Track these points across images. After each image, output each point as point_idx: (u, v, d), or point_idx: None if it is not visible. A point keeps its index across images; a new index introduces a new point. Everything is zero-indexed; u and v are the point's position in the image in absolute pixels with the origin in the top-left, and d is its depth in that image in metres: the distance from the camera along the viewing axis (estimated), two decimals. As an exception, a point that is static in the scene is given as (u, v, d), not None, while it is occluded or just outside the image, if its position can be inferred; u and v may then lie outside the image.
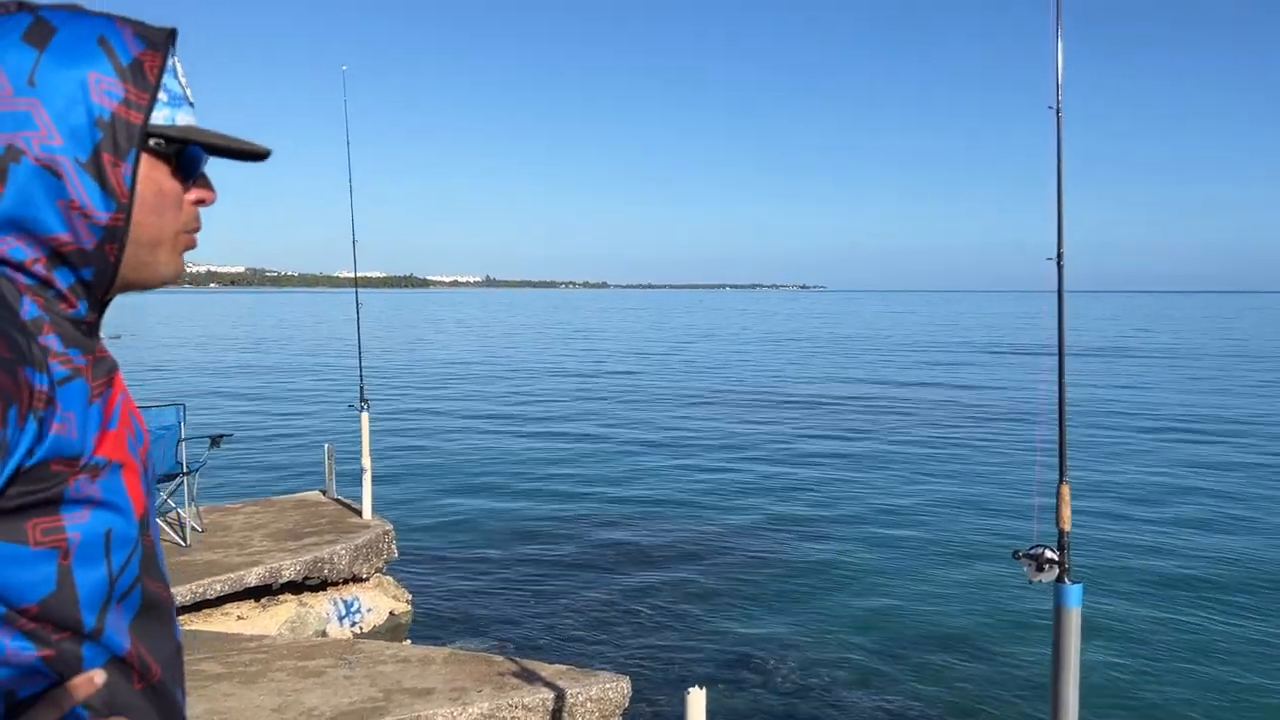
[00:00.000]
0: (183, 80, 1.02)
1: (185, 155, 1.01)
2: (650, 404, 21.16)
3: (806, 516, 10.84)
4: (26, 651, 0.89)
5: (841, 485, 12.53)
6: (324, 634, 6.93)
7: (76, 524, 0.91)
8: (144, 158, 0.97)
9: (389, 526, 7.74)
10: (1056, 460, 2.65)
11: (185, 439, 7.54)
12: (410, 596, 7.87)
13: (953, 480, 12.79)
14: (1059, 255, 2.65)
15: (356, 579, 7.36)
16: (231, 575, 6.56)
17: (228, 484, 11.82)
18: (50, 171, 0.91)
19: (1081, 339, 44.70)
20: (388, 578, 7.81)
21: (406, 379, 27.01)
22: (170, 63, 1.00)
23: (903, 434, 16.82)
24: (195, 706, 4.52)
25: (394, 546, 7.69)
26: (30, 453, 0.85)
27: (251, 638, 5.67)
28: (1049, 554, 2.60)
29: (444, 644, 6.87)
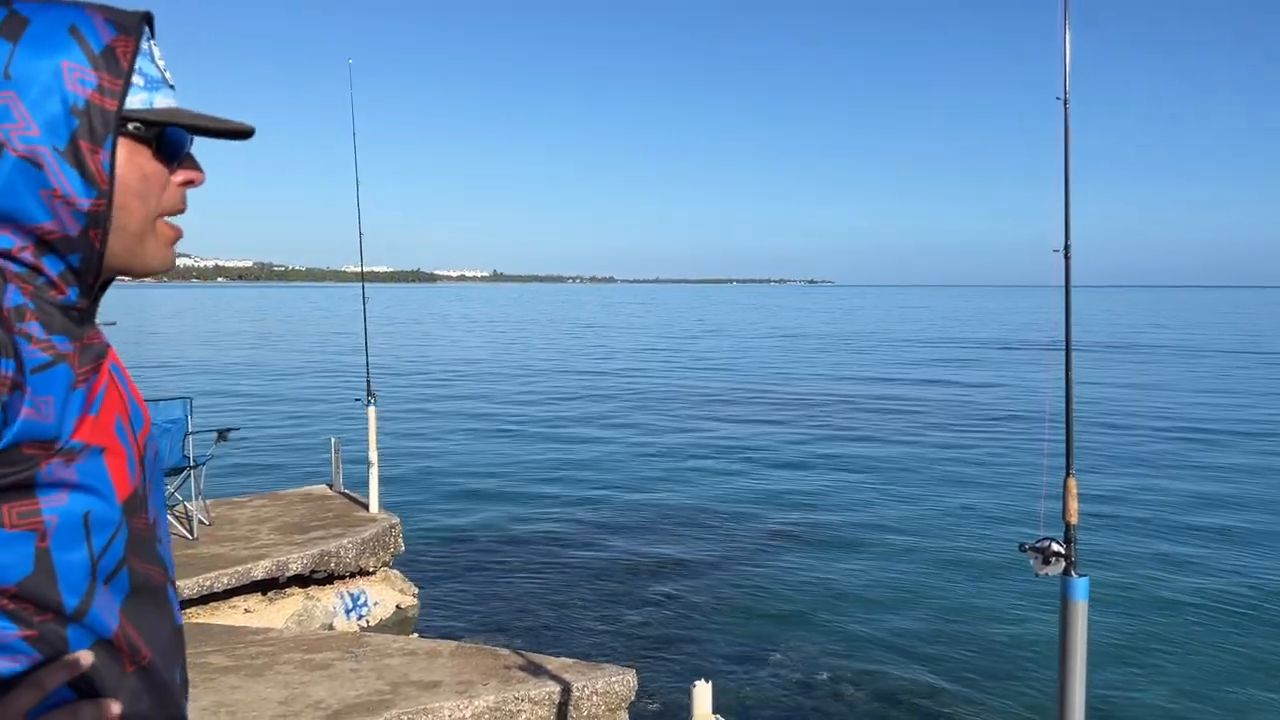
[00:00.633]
0: (160, 63, 1.02)
1: (165, 138, 1.01)
2: (658, 402, 21.16)
3: (812, 511, 10.84)
4: (8, 630, 0.89)
5: (848, 480, 12.53)
6: (330, 627, 6.95)
7: (53, 506, 0.91)
8: (124, 142, 0.98)
9: (395, 520, 7.75)
10: (1064, 454, 2.65)
11: (192, 433, 7.56)
12: (416, 590, 7.89)
13: (960, 474, 12.78)
14: (1066, 247, 2.64)
15: (363, 572, 7.38)
16: (238, 568, 6.57)
17: (235, 478, 11.84)
18: (30, 162, 0.92)
19: (1089, 335, 44.60)
20: (394, 571, 7.83)
21: (414, 374, 27.05)
22: (145, 46, 1.00)
23: (908, 429, 16.80)
24: (202, 699, 4.54)
25: (400, 540, 7.71)
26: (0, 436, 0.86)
27: (258, 631, 5.69)
28: (1055, 547, 2.59)
29: (450, 637, 6.89)
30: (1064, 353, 2.64)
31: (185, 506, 7.45)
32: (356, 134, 8.60)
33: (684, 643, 7.01)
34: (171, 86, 1.03)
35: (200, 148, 1.08)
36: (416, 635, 7.12)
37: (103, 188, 0.96)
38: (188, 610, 6.37)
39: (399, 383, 23.92)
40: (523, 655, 5.10)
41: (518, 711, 4.59)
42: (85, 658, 0.91)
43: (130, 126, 0.98)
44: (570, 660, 5.09)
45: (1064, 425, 2.67)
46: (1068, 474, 2.61)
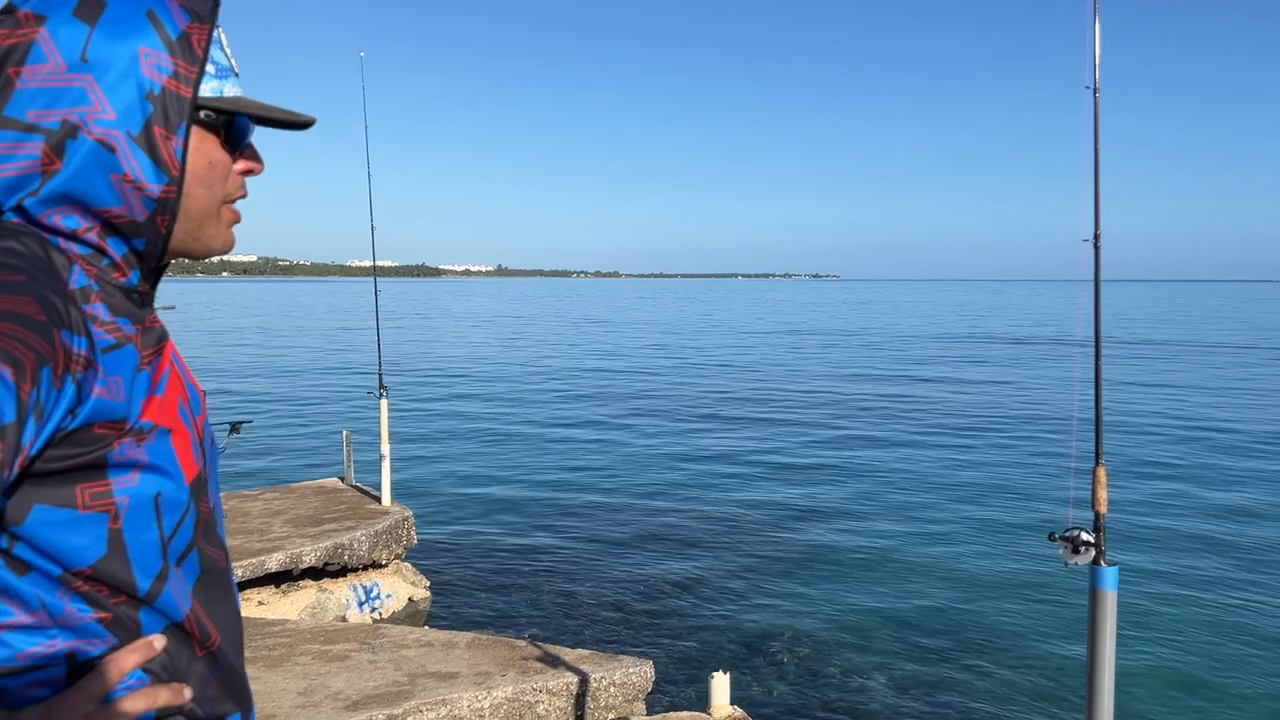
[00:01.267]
0: (228, 50, 1.03)
1: (234, 126, 1.02)
2: (670, 394, 21.16)
3: (834, 502, 10.82)
4: (84, 613, 0.90)
5: (871, 471, 12.51)
6: (344, 620, 6.97)
7: (125, 487, 0.92)
8: (194, 130, 0.98)
9: (408, 513, 7.76)
10: (1093, 443, 2.64)
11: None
12: (429, 583, 7.90)
13: (987, 464, 12.76)
14: (1095, 237, 2.63)
15: (376, 565, 7.39)
16: (252, 561, 6.59)
17: (247, 470, 11.87)
18: (104, 146, 0.92)
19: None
20: (407, 564, 7.84)
21: (426, 367, 27.07)
22: (216, 34, 1.01)
23: (933, 421, 16.77)
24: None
25: (413, 533, 7.72)
26: (72, 414, 0.86)
27: (275, 622, 5.70)
28: (1085, 536, 2.59)
29: (464, 630, 6.90)
30: (1094, 344, 2.63)
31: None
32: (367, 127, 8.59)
33: (701, 635, 7.01)
34: (237, 74, 1.04)
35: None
36: (428, 628, 7.14)
37: (173, 174, 0.96)
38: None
39: (410, 377, 23.95)
40: (539, 646, 5.10)
41: (536, 702, 4.60)
42: (158, 641, 0.91)
43: (202, 114, 0.99)
44: (587, 652, 5.10)
45: (1093, 415, 2.66)
46: (1097, 463, 2.60)
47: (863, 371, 25.98)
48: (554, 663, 4.85)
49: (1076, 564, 2.59)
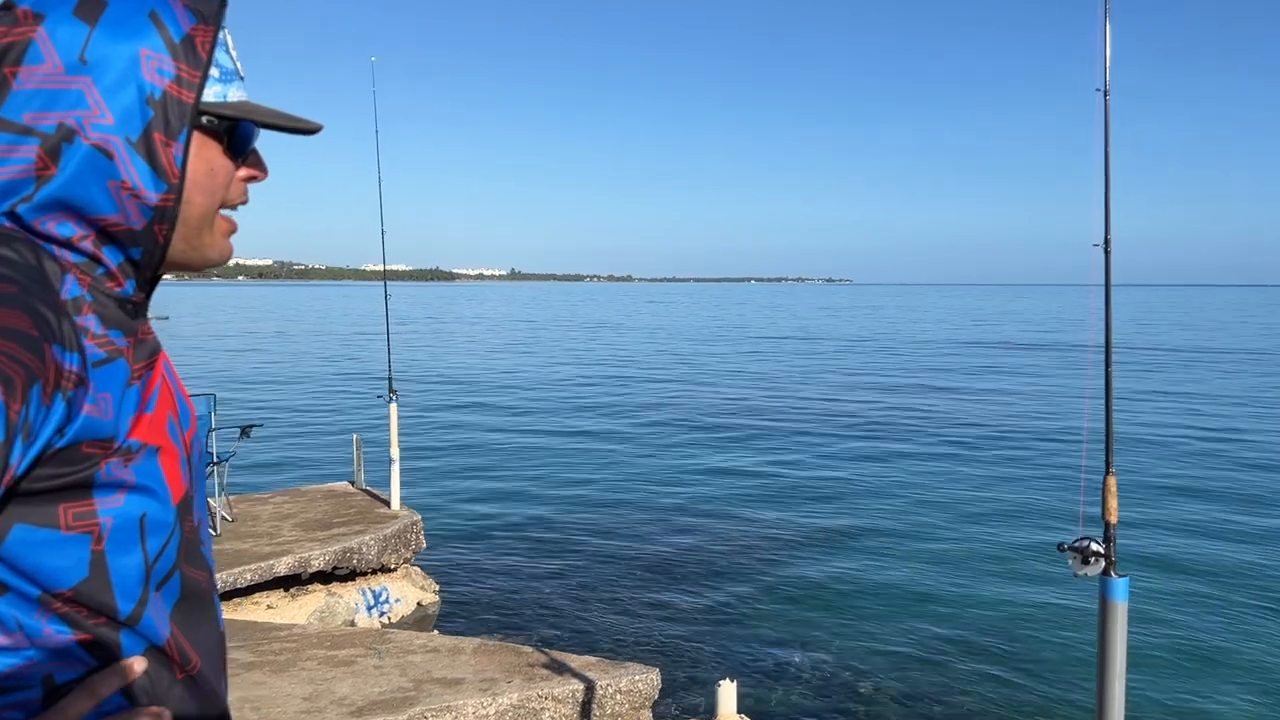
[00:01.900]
0: (233, 54, 0.99)
1: (237, 132, 0.98)
2: (682, 402, 21.12)
3: (844, 512, 10.76)
4: (63, 634, 0.87)
5: (880, 480, 12.44)
6: (352, 624, 6.96)
7: (110, 508, 0.88)
8: (195, 136, 0.95)
9: (417, 517, 7.76)
10: (1103, 452, 2.60)
11: (216, 429, 7.59)
12: (438, 587, 7.89)
13: (996, 474, 12.67)
14: (1106, 241, 2.59)
15: (385, 569, 7.38)
16: (261, 565, 6.59)
17: (258, 474, 11.89)
18: (101, 152, 0.89)
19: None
20: (416, 568, 7.83)
21: (438, 372, 27.12)
22: (221, 36, 0.97)
23: (942, 429, 16.69)
24: (228, 695, 4.54)
25: (422, 537, 7.71)
26: (61, 432, 0.83)
27: (282, 627, 5.70)
28: (1095, 546, 2.54)
29: (472, 635, 6.89)
30: (1104, 351, 2.59)
31: (209, 502, 7.47)
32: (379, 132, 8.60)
33: (708, 643, 6.97)
34: (242, 78, 1.00)
35: None
36: (437, 632, 7.12)
37: (172, 182, 0.92)
38: (211, 606, 6.39)
39: (422, 382, 23.99)
40: (546, 653, 5.08)
41: (541, 709, 4.57)
42: (138, 664, 0.89)
43: (204, 120, 0.95)
44: (594, 658, 5.07)
45: (1103, 423, 2.62)
46: (1107, 472, 2.56)
47: (873, 379, 25.90)
48: (560, 669, 4.83)
49: (1086, 575, 2.55)
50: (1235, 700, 6.07)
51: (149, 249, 0.94)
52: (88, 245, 0.91)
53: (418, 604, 7.56)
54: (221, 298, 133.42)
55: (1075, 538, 2.56)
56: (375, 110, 8.10)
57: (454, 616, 7.56)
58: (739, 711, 4.71)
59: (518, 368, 28.58)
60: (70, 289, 0.88)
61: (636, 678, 4.82)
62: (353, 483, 8.97)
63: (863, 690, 6.19)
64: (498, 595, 8.02)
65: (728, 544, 9.44)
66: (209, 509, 7.36)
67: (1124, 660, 2.53)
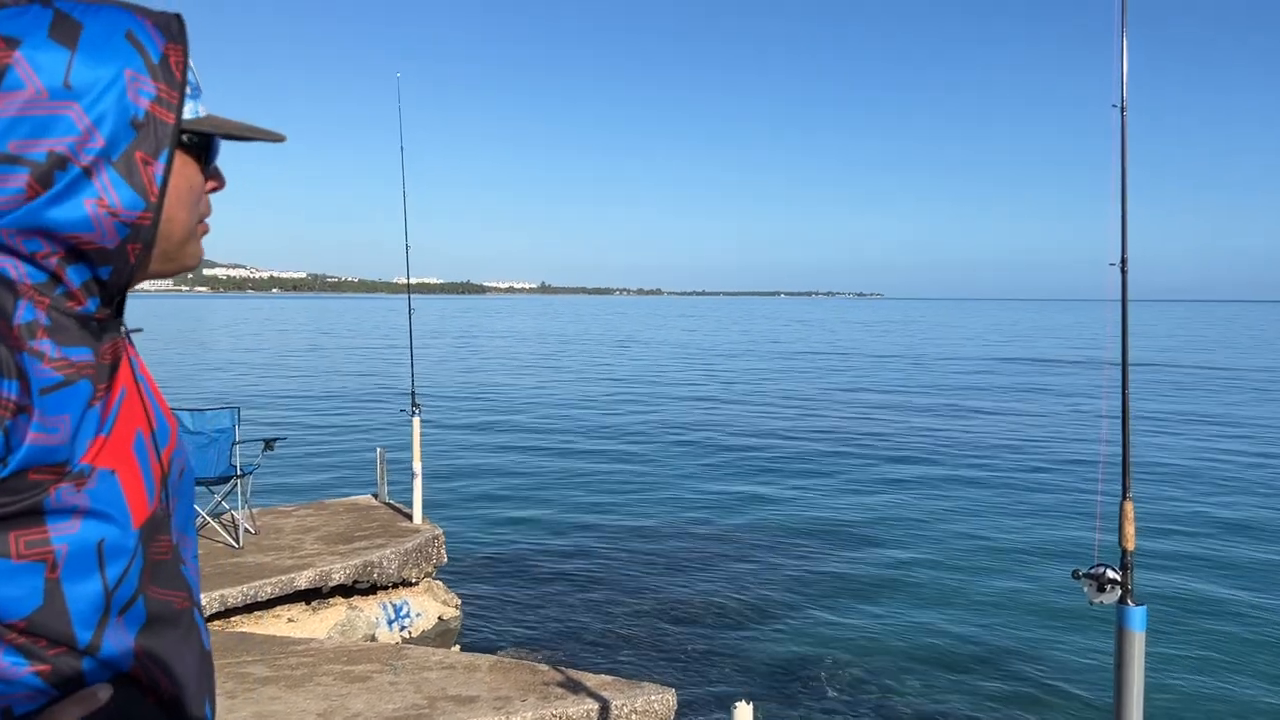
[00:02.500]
0: (193, 68, 1.00)
1: (211, 147, 1.01)
2: (708, 419, 21.04)
3: (861, 534, 10.64)
4: (19, 667, 0.85)
5: (897, 502, 12.30)
6: (373, 638, 6.96)
7: (64, 535, 0.87)
8: (177, 154, 0.96)
9: (439, 531, 7.75)
10: (1119, 476, 2.53)
11: (239, 442, 7.63)
12: (459, 602, 7.87)
13: (1010, 497, 12.49)
14: (1123, 261, 2.53)
15: (406, 583, 7.38)
16: (282, 578, 6.60)
17: (281, 487, 11.96)
18: (85, 173, 0.89)
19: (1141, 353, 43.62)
20: (437, 582, 7.82)
21: (465, 386, 27.21)
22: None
23: (959, 449, 16.51)
24: (242, 709, 4.54)
25: (443, 551, 7.70)
26: (3, 462, 0.82)
27: (299, 641, 5.70)
28: (1111, 574, 2.48)
29: (491, 650, 6.87)
30: (1120, 372, 2.53)
31: (232, 515, 7.51)
32: (405, 148, 8.66)
33: (726, 663, 6.91)
34: (201, 91, 1.01)
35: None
36: (458, 647, 7.11)
37: (151, 201, 0.93)
38: (232, 618, 6.41)
39: (449, 396, 24.07)
40: (561, 671, 5.04)
41: (555, 729, 4.53)
42: (103, 692, 0.87)
43: (185, 138, 0.97)
44: (609, 678, 5.03)
45: (1120, 447, 2.56)
46: (1124, 498, 2.50)
47: (896, 398, 25.68)
48: (575, 688, 4.79)
49: (1102, 603, 2.48)
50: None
51: (119, 268, 0.93)
52: (51, 263, 0.90)
53: (438, 618, 7.54)
54: (255, 310, 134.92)
55: (1090, 565, 2.49)
56: (400, 126, 8.14)
57: (474, 631, 7.54)
58: (755, 733, 4.65)
59: (544, 384, 28.61)
60: (24, 313, 0.86)
61: (653, 697, 4.77)
62: (376, 496, 8.99)
63: (883, 713, 6.10)
64: (518, 610, 7.99)
65: (751, 565, 9.37)
66: (233, 521, 7.40)
67: (1142, 692, 2.46)
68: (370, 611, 7.11)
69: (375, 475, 9.11)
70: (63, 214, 0.88)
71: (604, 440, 17.00)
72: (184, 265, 1.02)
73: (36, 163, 0.86)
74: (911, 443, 16.83)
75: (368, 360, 36.94)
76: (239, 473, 7.50)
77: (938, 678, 6.65)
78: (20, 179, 0.86)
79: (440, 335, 58.67)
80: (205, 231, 1.04)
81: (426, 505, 8.16)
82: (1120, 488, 2.51)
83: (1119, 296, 2.51)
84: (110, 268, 0.93)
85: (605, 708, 4.62)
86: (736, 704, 4.65)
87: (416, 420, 8.28)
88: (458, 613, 7.75)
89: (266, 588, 6.51)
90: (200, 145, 0.99)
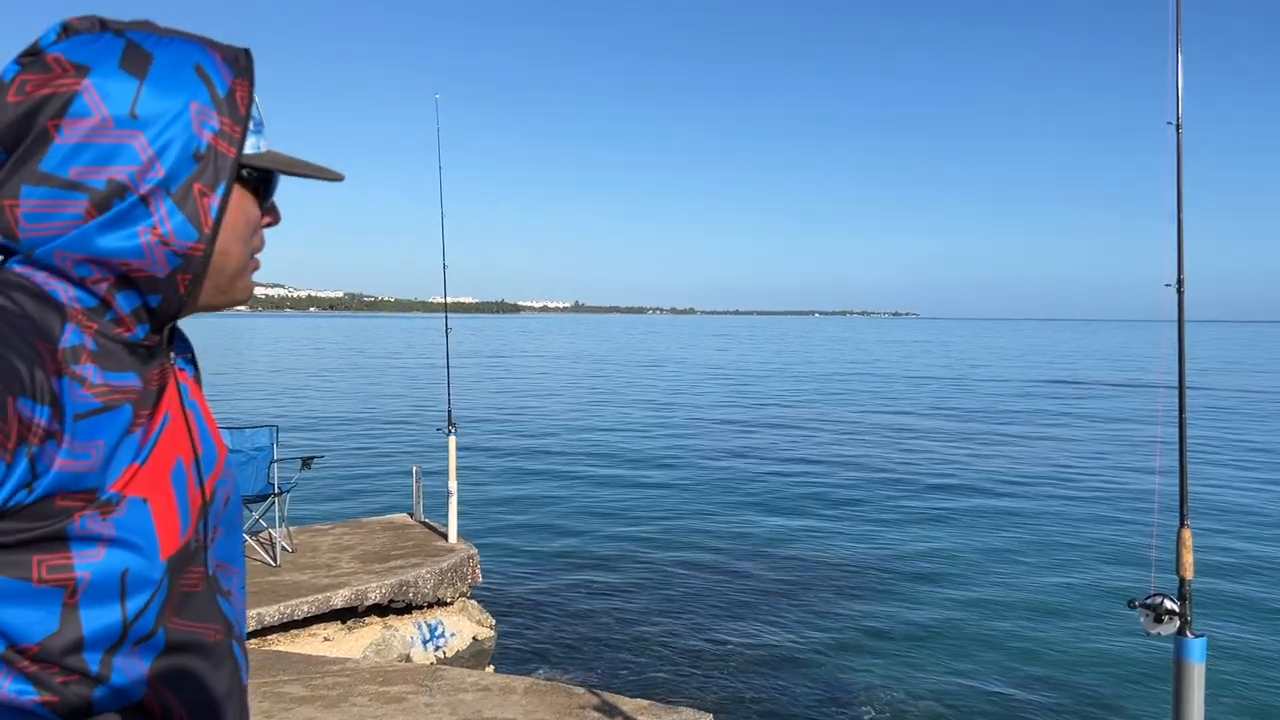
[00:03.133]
0: (258, 103, 1.01)
1: (269, 182, 1.01)
2: (748, 444, 20.93)
3: (909, 561, 10.45)
4: (27, 695, 0.84)
5: (945, 527, 12.11)
6: (408, 658, 6.94)
7: (88, 562, 0.86)
8: (235, 188, 0.97)
9: (474, 551, 7.74)
10: (1177, 503, 2.46)
11: (277, 460, 7.68)
12: (494, 622, 7.85)
13: (1067, 523, 12.25)
14: (1179, 281, 2.47)
15: (441, 603, 7.37)
16: (318, 596, 6.61)
17: (319, 505, 12.02)
18: (142, 201, 0.89)
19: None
20: (472, 602, 7.80)
21: (500, 405, 27.30)
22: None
23: (1010, 472, 16.28)
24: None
25: (478, 571, 7.69)
26: (28, 489, 0.81)
27: (335, 661, 5.69)
28: (1169, 604, 2.40)
29: (526, 672, 6.83)
30: (1177, 396, 2.46)
31: (269, 533, 7.55)
32: (443, 167, 8.72)
33: (763, 687, 6.82)
34: (263, 125, 1.02)
35: (298, 183, 1.10)
36: (492, 668, 7.07)
37: (204, 232, 0.92)
38: (269, 637, 6.42)
39: (484, 415, 24.15)
40: (597, 694, 4.99)
41: (591, 753, 4.48)
42: None
43: (244, 172, 0.97)
44: (645, 702, 4.96)
45: (1177, 472, 2.48)
46: (1181, 524, 2.42)
47: (938, 423, 25.41)
48: (610, 712, 4.73)
49: (1159, 634, 2.40)
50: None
51: (168, 297, 0.93)
52: (101, 289, 0.90)
53: (473, 638, 7.52)
54: (292, 328, 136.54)
55: (1147, 594, 2.41)
56: (439, 146, 8.22)
57: (509, 651, 7.51)
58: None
59: (578, 405, 28.64)
60: (70, 337, 0.86)
61: (689, 723, 4.70)
62: (412, 514, 9.00)
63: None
64: (553, 632, 7.95)
65: (787, 590, 9.26)
66: (270, 540, 7.42)
67: (1202, 726, 2.37)
68: (405, 631, 7.11)
69: (411, 494, 9.14)
70: (115, 241, 0.88)
71: (638, 466, 16.93)
72: (235, 299, 1.01)
73: (96, 190, 0.87)
74: (955, 470, 16.62)
75: (403, 380, 37.20)
76: (277, 491, 7.54)
77: (980, 708, 6.51)
78: (79, 205, 0.86)
79: (476, 355, 59.00)
80: (257, 267, 1.03)
81: (461, 525, 8.15)
82: (1178, 515, 2.44)
83: (1175, 317, 2.45)
84: (160, 296, 0.92)
85: (642, 733, 4.56)
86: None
87: (452, 440, 8.29)
88: (492, 633, 7.72)
89: (303, 606, 6.52)
90: (259, 180, 0.99)
